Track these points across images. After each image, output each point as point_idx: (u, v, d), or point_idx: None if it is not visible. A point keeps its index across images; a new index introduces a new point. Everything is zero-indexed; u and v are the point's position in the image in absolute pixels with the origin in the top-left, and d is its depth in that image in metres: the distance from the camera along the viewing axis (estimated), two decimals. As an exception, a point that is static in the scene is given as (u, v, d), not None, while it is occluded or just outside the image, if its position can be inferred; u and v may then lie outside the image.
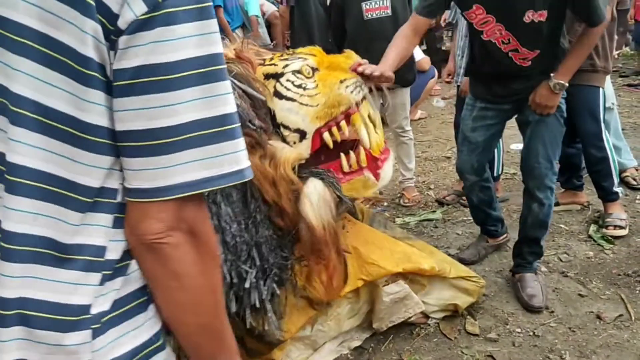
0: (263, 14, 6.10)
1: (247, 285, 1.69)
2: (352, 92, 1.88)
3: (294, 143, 1.85)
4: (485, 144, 2.61)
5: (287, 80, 1.87)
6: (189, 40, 0.69)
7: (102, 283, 0.74)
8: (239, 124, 0.75)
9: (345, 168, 1.93)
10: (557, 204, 3.25)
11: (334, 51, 3.64)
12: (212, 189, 0.74)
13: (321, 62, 1.96)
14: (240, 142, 0.75)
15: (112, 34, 0.68)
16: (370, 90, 2.01)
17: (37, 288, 0.72)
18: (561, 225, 3.14)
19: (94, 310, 0.74)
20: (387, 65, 2.18)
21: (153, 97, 0.69)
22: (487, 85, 2.52)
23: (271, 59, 1.96)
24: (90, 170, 0.72)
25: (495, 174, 3.39)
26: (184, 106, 0.70)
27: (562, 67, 2.29)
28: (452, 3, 2.41)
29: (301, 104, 1.85)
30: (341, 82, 1.88)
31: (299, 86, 1.87)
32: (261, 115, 1.75)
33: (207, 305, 0.79)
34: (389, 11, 3.27)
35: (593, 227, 3.07)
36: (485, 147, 2.62)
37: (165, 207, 0.72)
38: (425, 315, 2.37)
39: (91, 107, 0.70)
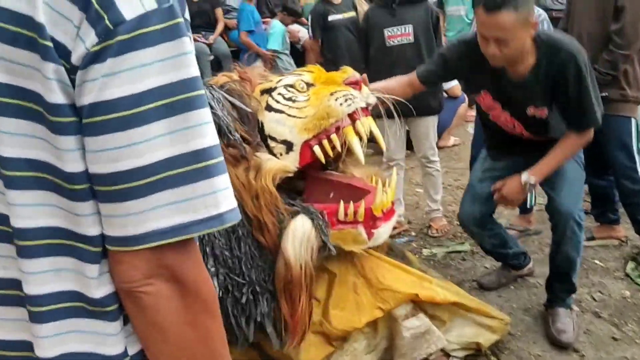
0: (298, 40, 6.17)
1: (243, 300, 1.70)
2: (341, 104, 1.84)
3: (281, 155, 1.84)
4: (490, 195, 2.50)
5: (279, 93, 1.89)
6: (150, 67, 0.62)
7: (125, 324, 0.72)
8: (220, 159, 0.67)
9: (341, 216, 1.88)
10: (592, 239, 3.13)
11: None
12: (189, 236, 0.66)
13: (318, 77, 1.96)
14: (221, 180, 0.67)
15: (70, 73, 0.63)
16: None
17: (77, 341, 0.71)
18: (596, 262, 3.00)
19: (130, 352, 0.73)
20: (383, 87, 2.18)
21: (113, 137, 0.62)
22: (500, 144, 2.52)
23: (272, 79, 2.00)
24: (87, 219, 0.67)
25: (528, 205, 3.28)
26: (149, 144, 0.63)
27: (540, 165, 2.25)
28: None
29: (289, 115, 1.84)
30: (331, 94, 1.86)
31: (289, 99, 1.87)
32: (249, 129, 1.75)
33: (199, 357, 0.72)
34: (411, 38, 3.25)
35: (631, 265, 2.92)
36: (489, 199, 2.51)
37: (141, 255, 0.66)
38: (446, 354, 2.27)
39: (67, 155, 0.65)
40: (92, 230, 0.67)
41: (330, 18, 4.57)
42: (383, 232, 1.97)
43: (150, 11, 0.62)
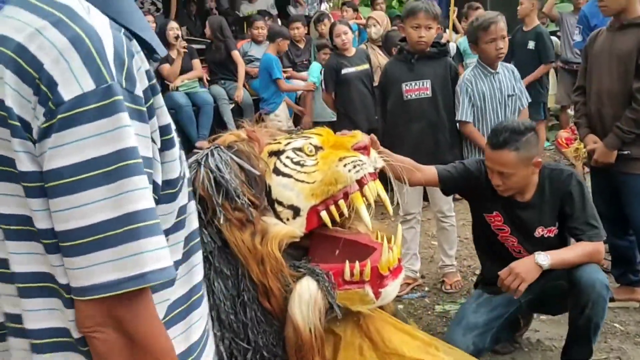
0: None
1: None
2: (349, 170, 1.82)
3: (288, 220, 1.82)
4: (486, 326, 2.46)
5: (287, 157, 1.88)
6: (88, 141, 0.73)
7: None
8: (152, 221, 0.76)
9: (347, 276, 1.84)
10: (612, 300, 3.00)
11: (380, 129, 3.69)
12: (125, 291, 0.75)
13: (327, 141, 1.95)
14: (151, 242, 0.75)
15: (35, 145, 0.75)
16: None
17: None
18: (615, 325, 2.89)
19: None
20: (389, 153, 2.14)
21: (63, 200, 0.73)
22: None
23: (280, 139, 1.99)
24: (58, 269, 0.78)
25: None
26: (91, 207, 0.73)
27: (557, 252, 2.25)
28: None
29: (297, 180, 1.83)
30: (340, 159, 1.85)
31: (297, 163, 1.87)
32: (256, 192, 1.76)
33: None
34: (429, 92, 3.24)
35: None
36: (485, 330, 2.46)
37: (91, 304, 0.76)
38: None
39: (36, 214, 0.77)
40: (63, 280, 0.78)
41: (344, 71, 4.57)
42: (391, 290, 1.93)
43: (88, 92, 0.73)
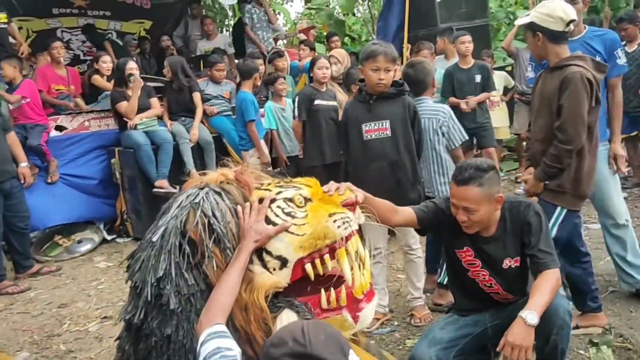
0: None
1: None
2: (339, 226, 1.88)
3: (274, 270, 1.85)
4: (450, 342, 2.54)
5: (278, 206, 1.90)
6: None
7: None
8: None
9: (324, 304, 1.90)
10: (575, 327, 3.10)
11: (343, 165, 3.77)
12: None
13: (315, 193, 1.99)
14: None
15: None
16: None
17: None
18: (580, 352, 2.97)
19: None
20: (369, 198, 2.23)
21: None
22: (470, 307, 2.63)
23: (269, 184, 2.02)
24: None
25: (441, 281, 3.57)
26: None
27: (534, 302, 2.25)
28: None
29: (287, 231, 1.86)
30: (330, 215, 1.90)
31: (288, 214, 1.89)
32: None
33: None
34: (388, 132, 3.30)
35: (592, 351, 2.93)
36: (450, 345, 2.54)
37: None
38: None
39: None
40: None
41: (316, 102, 4.73)
42: (367, 313, 2.00)
43: None
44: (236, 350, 1.53)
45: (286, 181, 2.06)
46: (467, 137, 3.77)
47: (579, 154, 2.87)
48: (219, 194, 1.88)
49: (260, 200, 1.91)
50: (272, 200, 1.91)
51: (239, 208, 1.87)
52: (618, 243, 3.44)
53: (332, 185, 2.05)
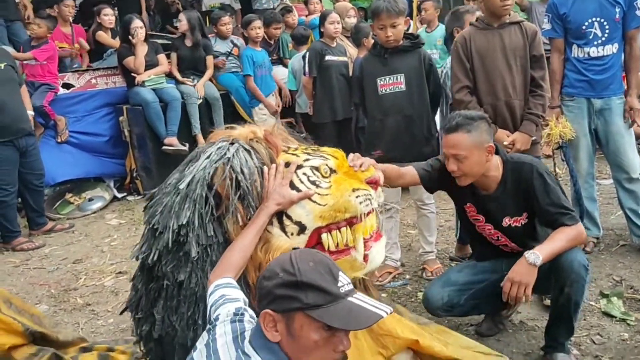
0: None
1: None
2: (361, 202, 1.90)
3: (292, 234, 1.88)
4: (465, 285, 2.60)
5: (304, 173, 1.92)
6: None
7: None
8: None
9: (332, 247, 1.92)
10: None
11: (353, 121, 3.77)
12: None
13: (341, 165, 2.00)
14: None
15: None
16: None
17: None
18: (592, 303, 3.00)
19: None
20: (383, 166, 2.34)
21: None
22: (486, 255, 2.67)
23: (295, 148, 2.02)
24: None
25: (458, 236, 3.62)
26: None
27: (545, 246, 2.30)
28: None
29: (310, 199, 1.88)
30: (353, 190, 1.91)
31: (313, 182, 1.91)
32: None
33: None
34: (403, 86, 3.28)
35: (603, 302, 2.96)
36: (464, 288, 2.59)
37: None
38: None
39: None
40: None
41: (327, 58, 4.68)
42: (376, 252, 2.04)
43: None
44: (242, 300, 1.58)
45: (313, 149, 2.07)
46: None
47: None
48: (248, 151, 1.89)
49: (287, 164, 1.92)
50: (299, 167, 1.92)
51: (265, 169, 1.88)
52: (631, 197, 3.45)
53: (357, 159, 2.06)
